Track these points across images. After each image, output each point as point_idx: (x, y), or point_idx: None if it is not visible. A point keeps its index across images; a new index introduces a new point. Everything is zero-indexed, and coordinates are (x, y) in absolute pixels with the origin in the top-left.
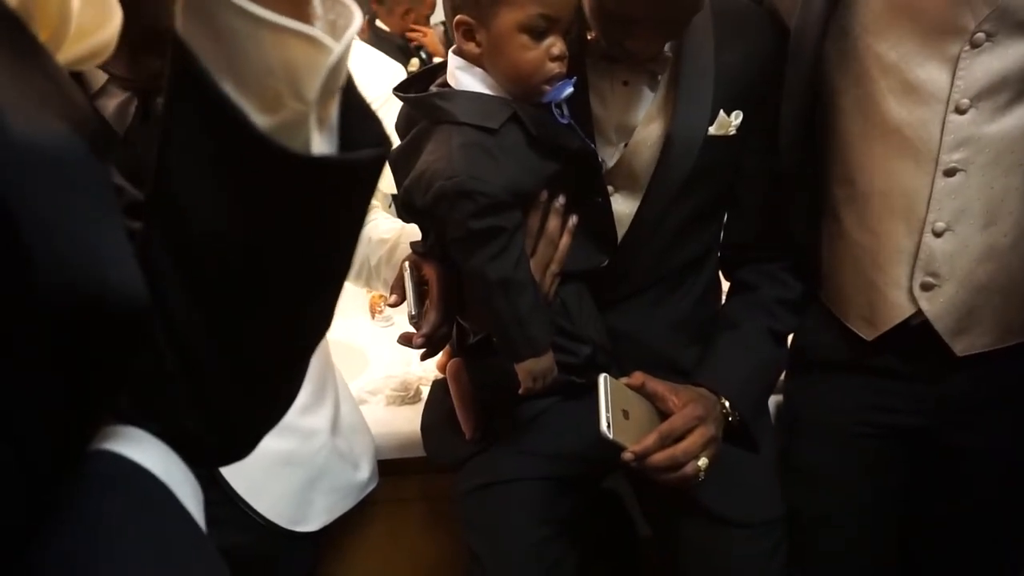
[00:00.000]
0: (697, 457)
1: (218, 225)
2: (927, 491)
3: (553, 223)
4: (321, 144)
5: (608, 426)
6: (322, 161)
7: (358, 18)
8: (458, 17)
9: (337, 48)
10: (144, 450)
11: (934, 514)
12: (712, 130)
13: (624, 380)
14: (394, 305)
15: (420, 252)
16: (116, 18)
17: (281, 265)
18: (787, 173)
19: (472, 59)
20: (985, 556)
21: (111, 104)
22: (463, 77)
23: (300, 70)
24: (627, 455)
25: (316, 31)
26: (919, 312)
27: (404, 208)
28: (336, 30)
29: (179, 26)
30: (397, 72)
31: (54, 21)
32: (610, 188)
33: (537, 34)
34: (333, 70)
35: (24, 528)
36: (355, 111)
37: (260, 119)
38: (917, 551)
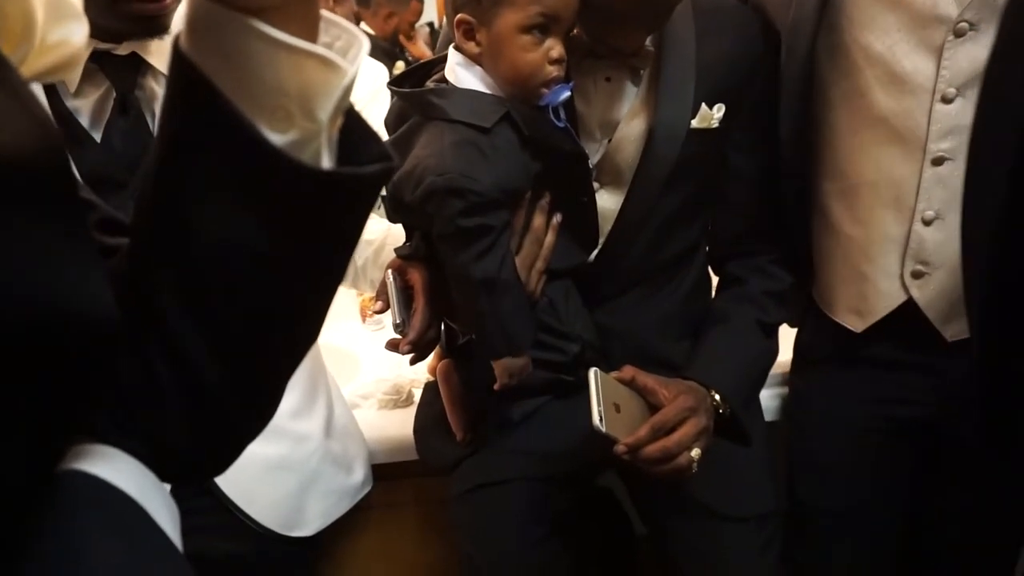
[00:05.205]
0: (690, 448)
1: (228, 241)
2: (932, 485)
3: (538, 221)
4: (327, 160)
5: (600, 419)
6: (339, 176)
7: (365, 42)
8: (459, 16)
9: (351, 70)
10: (118, 469)
11: (939, 507)
12: (694, 123)
13: (614, 374)
14: (379, 312)
15: (404, 255)
16: (83, 30)
17: (286, 276)
18: (781, 166)
19: (472, 58)
20: (989, 550)
21: (88, 102)
22: (462, 74)
23: (314, 91)
24: (620, 448)
25: (332, 54)
26: (910, 300)
27: (392, 203)
28: (333, 51)
29: (184, 44)
30: (381, 73)
31: (18, 34)
32: (595, 184)
33: (537, 35)
34: (345, 91)
35: None
36: (351, 125)
37: (270, 137)
38: (922, 544)
